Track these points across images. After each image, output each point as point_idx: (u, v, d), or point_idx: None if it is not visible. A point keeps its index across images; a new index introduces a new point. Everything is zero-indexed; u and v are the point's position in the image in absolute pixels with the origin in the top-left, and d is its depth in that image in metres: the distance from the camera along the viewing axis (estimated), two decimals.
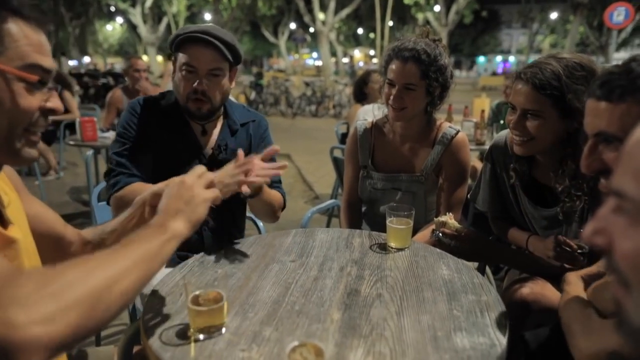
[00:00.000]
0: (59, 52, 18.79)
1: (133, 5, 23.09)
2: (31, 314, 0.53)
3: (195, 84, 1.45)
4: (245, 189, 1.20)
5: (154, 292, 1.06)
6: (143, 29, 23.69)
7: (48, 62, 0.75)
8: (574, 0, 18.11)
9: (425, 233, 1.64)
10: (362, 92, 3.91)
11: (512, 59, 43.86)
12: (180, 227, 0.82)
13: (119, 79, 14.36)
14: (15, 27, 0.71)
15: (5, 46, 0.70)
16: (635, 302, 0.41)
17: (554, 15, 31.72)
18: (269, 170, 1.25)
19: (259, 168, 1.23)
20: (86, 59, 30.62)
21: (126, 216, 1.02)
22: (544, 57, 1.35)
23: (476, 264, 1.67)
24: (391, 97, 1.65)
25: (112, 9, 25.43)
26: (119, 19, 32.63)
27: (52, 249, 0.94)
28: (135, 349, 1.19)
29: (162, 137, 1.53)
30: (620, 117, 0.85)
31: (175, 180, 0.91)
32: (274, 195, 1.56)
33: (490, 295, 1.08)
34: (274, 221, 1.60)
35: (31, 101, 0.73)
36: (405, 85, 1.62)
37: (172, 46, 1.49)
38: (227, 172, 1.22)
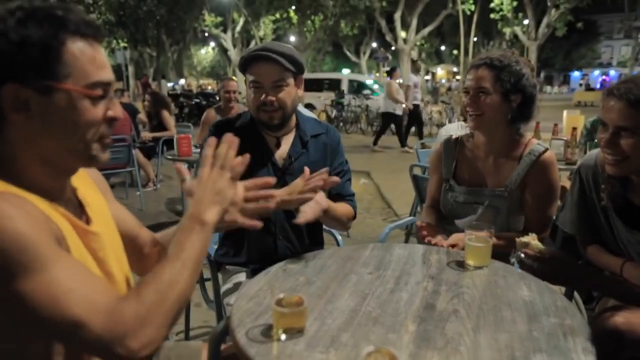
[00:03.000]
0: (159, 75, 20.61)
1: (224, 30, 24.78)
2: (141, 341, 0.73)
3: (263, 97, 1.57)
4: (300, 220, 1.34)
5: (242, 295, 1.16)
6: (233, 52, 25.28)
7: (107, 75, 0.83)
8: None
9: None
10: None
11: (612, 72, 40.41)
12: (215, 217, 0.90)
13: (209, 99, 15.40)
14: (75, 48, 0.78)
15: (70, 67, 0.78)
16: None
17: None
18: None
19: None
20: (181, 81, 33.30)
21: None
22: (638, 73, 1.29)
23: (563, 289, 1.58)
24: (467, 104, 1.69)
25: (206, 34, 27.46)
26: (212, 44, 35.16)
27: (129, 248, 1.07)
28: (222, 347, 1.29)
29: (238, 153, 1.63)
30: None
31: (204, 172, 0.95)
32: (341, 209, 1.64)
33: (575, 319, 1.04)
34: (345, 230, 1.71)
35: (96, 113, 0.82)
36: (479, 90, 1.65)
37: (241, 69, 1.63)
38: (293, 189, 1.33)
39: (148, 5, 18.02)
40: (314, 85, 14.80)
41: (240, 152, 1.00)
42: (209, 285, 1.88)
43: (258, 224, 0.99)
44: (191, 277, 0.83)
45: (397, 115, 8.69)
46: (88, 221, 0.92)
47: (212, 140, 1.00)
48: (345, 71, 27.02)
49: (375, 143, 9.09)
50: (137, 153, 5.26)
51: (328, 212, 1.51)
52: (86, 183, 1.00)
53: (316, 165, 1.68)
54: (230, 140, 0.99)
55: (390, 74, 9.06)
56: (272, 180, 1.06)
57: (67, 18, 0.79)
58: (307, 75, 2.03)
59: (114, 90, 0.91)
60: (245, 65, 1.59)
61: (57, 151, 0.82)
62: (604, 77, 38.20)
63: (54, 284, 0.71)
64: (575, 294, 1.66)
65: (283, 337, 0.95)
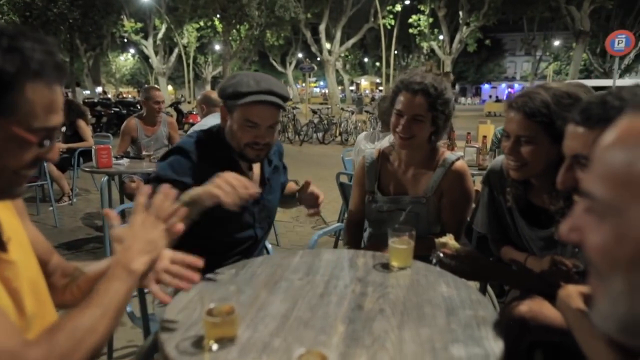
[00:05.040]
0: (73, 82, 19.27)
1: (145, 37, 23.83)
2: None
3: (257, 137, 1.53)
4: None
5: (170, 307, 1.14)
6: (155, 60, 24.37)
7: (56, 120, 0.78)
8: (576, 28, 18.40)
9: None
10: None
11: (516, 85, 44.36)
12: (143, 267, 0.89)
13: (129, 108, 14.69)
14: (31, 92, 0.73)
15: (19, 109, 0.72)
16: (607, 290, 0.47)
17: (557, 43, 32.16)
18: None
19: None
20: (98, 89, 31.42)
21: (102, 267, 1.06)
22: (533, 87, 1.45)
23: (477, 284, 1.72)
24: (399, 127, 1.75)
25: (126, 40, 26.24)
26: (132, 50, 33.62)
27: None
28: None
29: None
30: (594, 141, 0.94)
31: (137, 219, 0.93)
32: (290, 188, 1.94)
33: (487, 310, 1.14)
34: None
35: (26, 157, 0.76)
36: (414, 117, 1.72)
37: (228, 100, 1.52)
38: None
39: (59, 7, 16.86)
40: None
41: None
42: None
43: (188, 287, 1.00)
44: (110, 326, 0.80)
45: None
46: (3, 247, 0.85)
47: (146, 189, 0.97)
48: None
49: None
50: (49, 165, 4.88)
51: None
52: (2, 204, 0.92)
53: (277, 170, 1.84)
54: (166, 192, 0.96)
55: None
56: (200, 262, 1.04)
57: (30, 57, 0.72)
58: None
59: None
60: (242, 102, 1.48)
61: None
62: (509, 89, 41.82)
63: None
64: (489, 287, 1.81)
65: (215, 347, 0.95)
